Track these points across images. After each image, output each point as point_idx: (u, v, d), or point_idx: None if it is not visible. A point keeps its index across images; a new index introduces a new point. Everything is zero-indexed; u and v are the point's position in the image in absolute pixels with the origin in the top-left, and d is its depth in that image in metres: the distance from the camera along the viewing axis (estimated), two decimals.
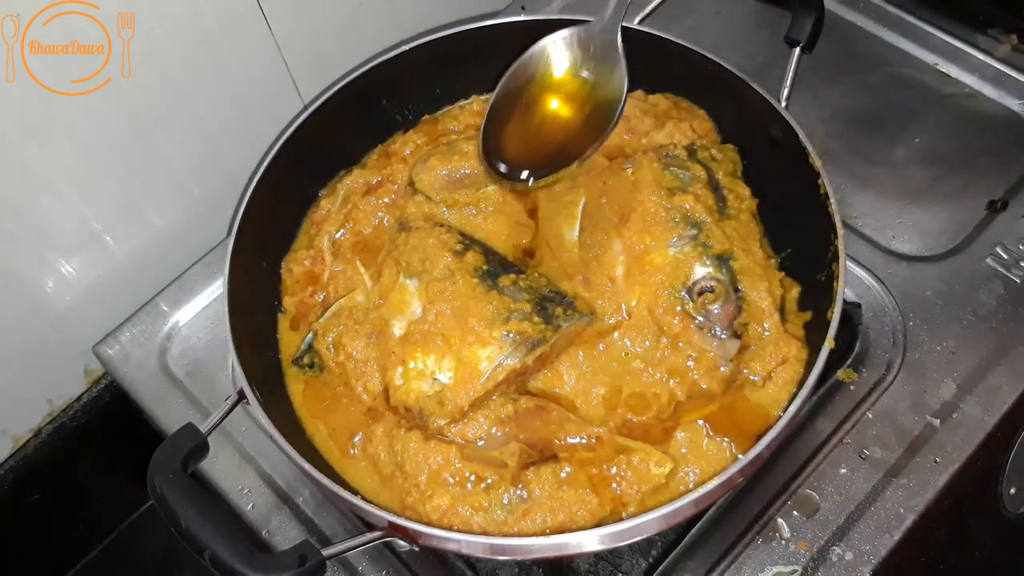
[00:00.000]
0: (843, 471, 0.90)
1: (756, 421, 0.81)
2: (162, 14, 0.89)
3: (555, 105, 0.91)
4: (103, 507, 1.26)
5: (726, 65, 0.93)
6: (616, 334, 0.86)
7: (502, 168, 0.89)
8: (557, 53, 0.92)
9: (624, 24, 1.01)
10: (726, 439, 0.80)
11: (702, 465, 0.79)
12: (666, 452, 0.79)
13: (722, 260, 0.87)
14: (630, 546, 0.94)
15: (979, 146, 1.13)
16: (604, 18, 0.91)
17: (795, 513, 0.88)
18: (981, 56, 1.17)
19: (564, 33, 0.92)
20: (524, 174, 0.89)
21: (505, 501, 0.76)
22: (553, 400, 0.84)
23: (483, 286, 0.83)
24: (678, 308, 0.86)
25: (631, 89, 1.03)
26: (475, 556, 0.92)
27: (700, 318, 0.85)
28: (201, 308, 1.08)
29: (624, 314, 0.88)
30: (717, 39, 1.23)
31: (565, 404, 0.84)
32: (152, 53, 0.91)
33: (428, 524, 0.74)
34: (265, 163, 0.91)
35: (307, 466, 0.75)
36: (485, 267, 0.86)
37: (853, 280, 1.01)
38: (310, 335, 0.90)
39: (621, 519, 0.76)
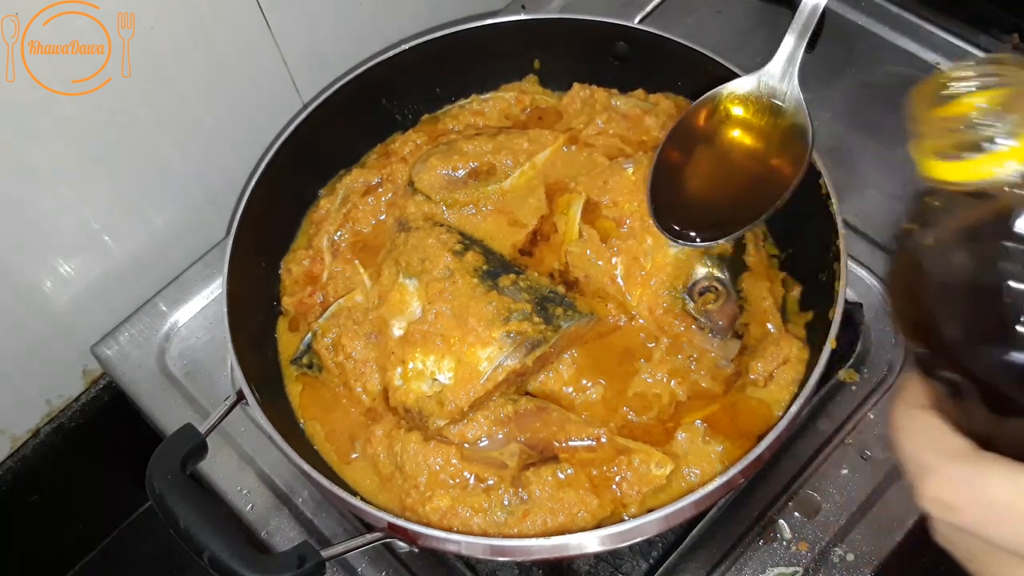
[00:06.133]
0: (844, 472, 0.90)
1: (757, 421, 0.80)
2: (162, 14, 0.89)
3: (729, 156, 0.85)
4: (102, 507, 1.26)
5: (727, 64, 0.93)
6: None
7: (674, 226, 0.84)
8: (728, 104, 0.85)
9: (624, 24, 1.01)
10: (720, 445, 0.80)
11: (703, 466, 0.79)
12: (667, 453, 0.79)
13: (723, 260, 0.87)
14: (631, 547, 0.94)
15: None
16: (778, 64, 0.84)
17: (796, 514, 0.88)
18: (982, 55, 1.17)
19: (732, 86, 0.86)
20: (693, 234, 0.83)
21: (505, 502, 0.76)
22: (553, 401, 0.84)
23: (483, 286, 0.83)
24: (679, 308, 0.86)
25: (631, 88, 1.04)
26: (475, 557, 0.91)
27: (701, 318, 0.85)
28: (200, 308, 1.08)
29: (625, 314, 0.88)
30: (717, 38, 1.22)
31: (565, 405, 0.84)
32: (152, 53, 0.90)
33: (428, 525, 0.74)
34: (264, 163, 0.91)
35: (306, 467, 0.74)
36: (485, 267, 0.85)
37: (855, 280, 1.01)
38: (309, 335, 0.89)
39: (622, 520, 0.76)
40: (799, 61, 0.83)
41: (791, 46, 0.83)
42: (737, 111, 0.85)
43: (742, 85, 0.86)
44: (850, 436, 0.92)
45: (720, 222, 0.84)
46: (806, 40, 0.82)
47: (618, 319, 0.87)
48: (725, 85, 0.86)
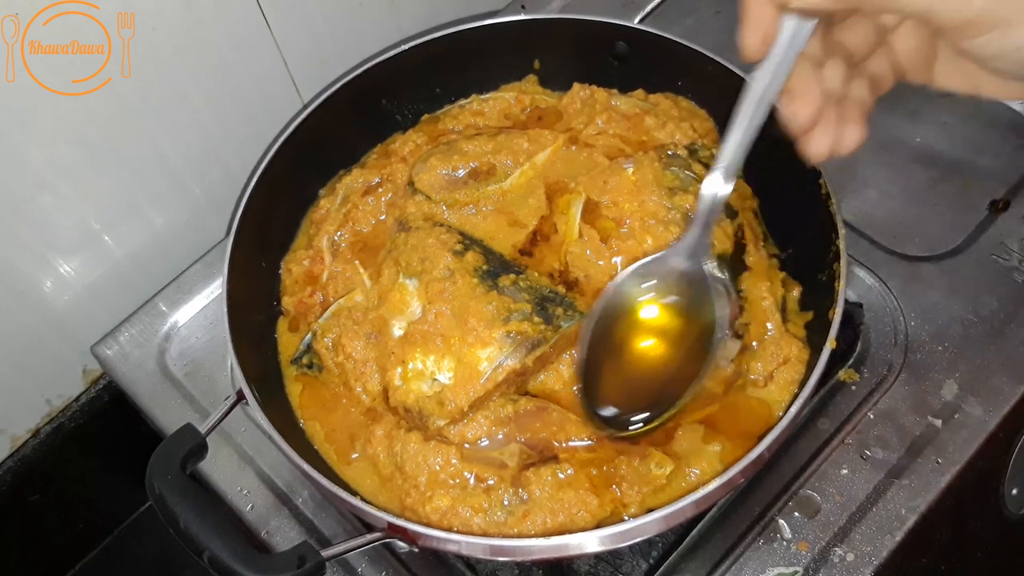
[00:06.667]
0: (844, 472, 0.90)
1: (757, 421, 0.80)
2: (162, 14, 0.89)
3: (646, 344, 0.79)
4: (102, 507, 1.26)
5: (727, 64, 0.93)
6: None
7: (606, 414, 0.79)
8: (637, 289, 0.79)
9: (624, 24, 1.01)
10: (720, 445, 0.79)
11: (703, 466, 0.79)
12: (667, 453, 0.79)
13: (723, 260, 0.87)
14: (630, 547, 0.94)
15: (980, 146, 1.12)
16: (687, 245, 0.75)
17: (796, 514, 0.88)
18: None
19: (644, 265, 0.79)
20: (635, 419, 0.78)
21: (505, 502, 0.76)
22: (553, 400, 0.84)
23: (483, 286, 0.83)
24: None
25: (631, 88, 1.04)
26: (475, 557, 0.91)
27: None
28: (200, 308, 1.08)
29: None
30: (717, 38, 1.22)
31: (565, 404, 0.84)
32: (152, 53, 0.90)
33: (428, 525, 0.74)
34: (264, 162, 0.91)
35: (306, 467, 0.74)
36: (485, 267, 0.85)
37: (854, 280, 1.01)
38: (309, 335, 0.89)
39: (622, 520, 0.76)
40: (708, 247, 0.75)
41: (695, 239, 0.74)
42: (649, 311, 0.79)
43: (650, 272, 0.78)
44: (850, 436, 0.92)
45: (649, 406, 0.79)
46: (711, 229, 0.73)
47: None
48: (633, 269, 0.79)
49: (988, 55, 0.51)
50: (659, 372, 0.80)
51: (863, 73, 0.61)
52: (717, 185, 0.68)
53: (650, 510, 0.72)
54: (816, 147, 0.59)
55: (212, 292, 1.08)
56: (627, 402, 0.80)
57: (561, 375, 0.85)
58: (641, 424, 0.79)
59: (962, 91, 0.59)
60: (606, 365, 0.80)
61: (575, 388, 0.83)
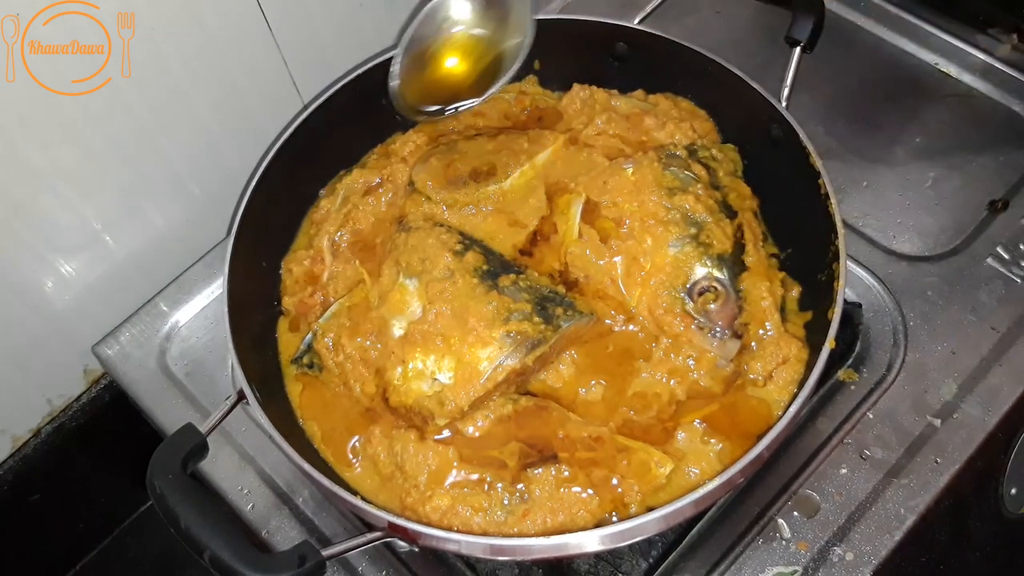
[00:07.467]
0: (844, 471, 0.90)
1: (757, 421, 0.80)
2: (162, 14, 0.89)
3: (456, 59, 0.92)
4: (103, 507, 1.26)
5: (727, 65, 0.93)
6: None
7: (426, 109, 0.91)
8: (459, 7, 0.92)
9: (624, 24, 1.01)
10: (720, 444, 0.80)
11: (703, 465, 0.79)
12: (667, 452, 0.79)
13: (722, 260, 0.87)
14: (630, 546, 0.94)
15: (979, 146, 1.12)
16: None
17: (795, 513, 0.88)
18: (981, 56, 1.17)
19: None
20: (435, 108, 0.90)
21: (505, 501, 0.76)
22: (553, 400, 0.84)
23: (483, 286, 0.83)
24: (678, 308, 0.86)
25: (631, 88, 1.04)
26: (475, 557, 0.91)
27: (700, 318, 0.85)
28: (200, 308, 1.08)
29: (624, 314, 0.88)
30: (717, 39, 1.23)
31: (566, 404, 0.84)
32: (152, 53, 0.90)
33: (428, 524, 0.74)
34: (265, 163, 0.91)
35: (307, 466, 0.74)
36: (485, 267, 0.86)
37: (854, 280, 1.01)
38: (309, 335, 0.90)
39: (621, 519, 0.76)
40: None
41: None
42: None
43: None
44: (849, 436, 0.92)
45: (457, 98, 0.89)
46: None
47: (618, 319, 0.88)
48: None
49: None
50: (469, 76, 0.92)
51: None
52: None
53: (650, 509, 0.72)
54: None
55: (213, 292, 1.08)
56: (444, 100, 0.91)
57: (561, 375, 0.85)
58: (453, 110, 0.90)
59: None
60: (424, 72, 0.92)
61: (391, 85, 0.90)
